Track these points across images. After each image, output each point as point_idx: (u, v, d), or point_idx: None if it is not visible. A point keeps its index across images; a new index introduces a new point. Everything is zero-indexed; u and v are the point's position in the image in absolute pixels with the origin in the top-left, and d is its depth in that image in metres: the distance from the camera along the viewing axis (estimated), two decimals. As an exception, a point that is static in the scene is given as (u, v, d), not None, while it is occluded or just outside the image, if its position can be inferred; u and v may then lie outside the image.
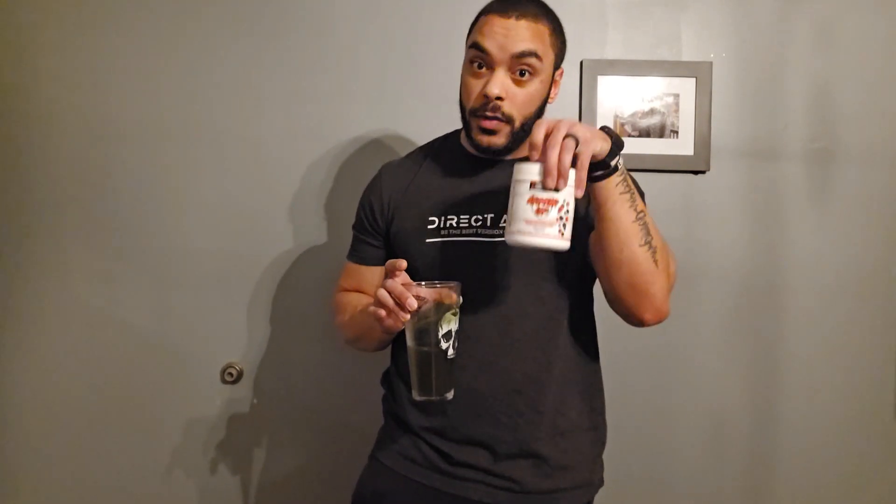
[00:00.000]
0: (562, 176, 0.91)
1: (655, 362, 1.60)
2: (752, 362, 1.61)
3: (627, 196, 0.98)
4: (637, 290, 1.02)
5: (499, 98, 1.06)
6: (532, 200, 0.93)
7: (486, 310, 1.10)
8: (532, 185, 0.93)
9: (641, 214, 1.00)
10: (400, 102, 1.60)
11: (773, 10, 1.59)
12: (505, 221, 1.07)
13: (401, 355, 1.18)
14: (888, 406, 1.60)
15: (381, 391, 1.26)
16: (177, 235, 1.61)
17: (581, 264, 1.12)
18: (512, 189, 0.96)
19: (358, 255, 1.26)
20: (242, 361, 1.62)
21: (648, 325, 1.06)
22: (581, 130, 0.92)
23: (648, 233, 1.01)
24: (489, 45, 1.05)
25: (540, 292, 1.11)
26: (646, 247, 1.00)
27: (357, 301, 1.23)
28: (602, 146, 0.94)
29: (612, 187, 0.97)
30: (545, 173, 0.91)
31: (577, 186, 0.93)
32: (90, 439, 1.62)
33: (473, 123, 1.10)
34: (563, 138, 0.91)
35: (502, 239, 1.06)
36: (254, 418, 1.63)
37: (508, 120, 1.08)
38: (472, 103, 1.09)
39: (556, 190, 0.91)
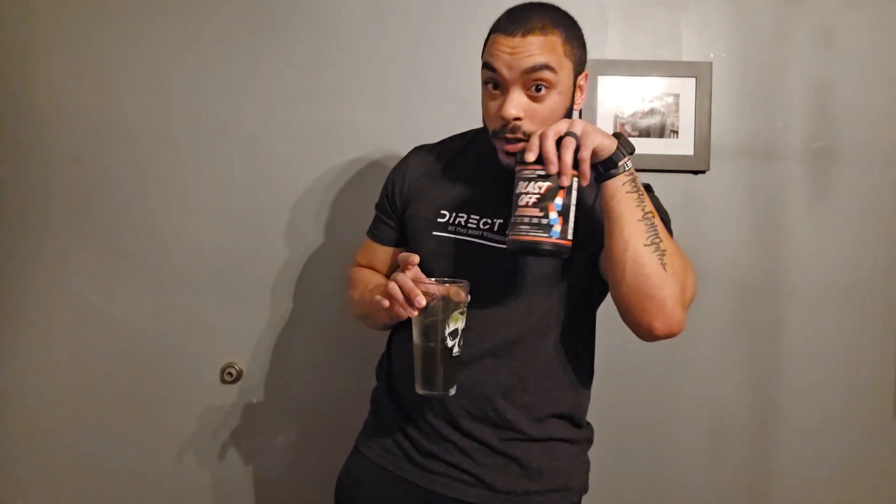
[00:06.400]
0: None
1: (655, 361, 1.59)
2: (752, 362, 1.61)
3: (635, 196, 0.99)
4: (641, 293, 0.96)
5: (517, 119, 1.03)
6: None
7: (474, 313, 1.08)
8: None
9: (649, 215, 0.98)
10: (403, 103, 1.59)
11: (773, 9, 1.59)
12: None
13: (394, 343, 1.20)
14: (888, 406, 1.60)
15: (380, 392, 1.26)
16: (177, 235, 1.61)
17: (583, 286, 1.12)
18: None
19: (375, 232, 1.28)
20: (242, 361, 1.62)
21: (660, 337, 0.99)
22: (578, 126, 0.96)
23: (656, 234, 0.97)
24: (498, 65, 1.03)
25: (530, 305, 1.10)
26: (652, 247, 0.96)
27: (369, 279, 1.24)
28: (603, 141, 0.97)
29: (619, 185, 0.99)
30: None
31: (581, 178, 0.96)
32: (90, 439, 1.62)
33: (497, 146, 1.09)
34: (564, 136, 0.95)
35: (505, 247, 1.08)
36: (254, 418, 1.63)
37: (529, 138, 1.05)
38: (492, 126, 1.08)
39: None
